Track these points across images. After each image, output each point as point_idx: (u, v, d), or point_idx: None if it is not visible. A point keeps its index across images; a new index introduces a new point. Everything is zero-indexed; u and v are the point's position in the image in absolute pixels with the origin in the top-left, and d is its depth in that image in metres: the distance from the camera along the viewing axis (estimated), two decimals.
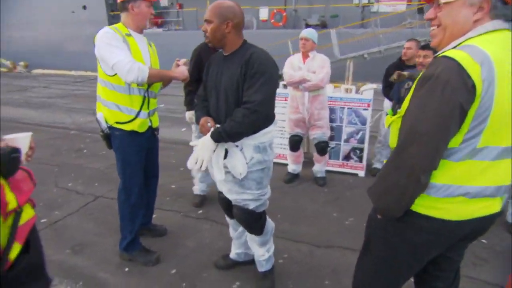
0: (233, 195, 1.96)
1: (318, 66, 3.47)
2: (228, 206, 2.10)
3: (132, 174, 2.27)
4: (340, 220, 3.09)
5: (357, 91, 4.25)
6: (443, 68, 1.04)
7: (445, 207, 1.15)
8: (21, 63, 16.81)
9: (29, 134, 1.19)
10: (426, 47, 3.00)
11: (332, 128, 4.04)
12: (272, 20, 14.35)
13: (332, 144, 4.12)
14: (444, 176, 1.13)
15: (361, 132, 4.08)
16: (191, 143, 1.92)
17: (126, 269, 2.40)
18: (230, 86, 1.78)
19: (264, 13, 14.58)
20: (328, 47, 10.87)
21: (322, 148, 3.75)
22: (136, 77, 1.96)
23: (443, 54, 1.09)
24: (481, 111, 1.02)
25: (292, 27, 13.79)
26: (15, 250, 0.88)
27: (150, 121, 2.29)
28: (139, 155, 2.28)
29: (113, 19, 16.32)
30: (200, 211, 3.22)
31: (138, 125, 2.18)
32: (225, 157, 1.89)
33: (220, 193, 2.11)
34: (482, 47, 1.02)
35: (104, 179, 3.92)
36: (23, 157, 1.13)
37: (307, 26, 12.23)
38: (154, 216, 3.05)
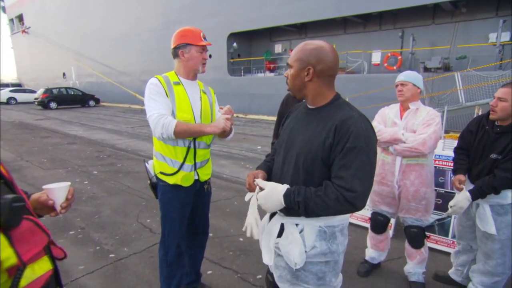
0: (285, 285, 1.51)
1: (421, 123, 2.39)
2: None
3: (170, 230, 2.09)
4: None
5: None
6: None
7: None
8: None
9: (66, 184, 1.10)
10: None
11: (440, 195, 3.17)
12: (386, 64, 13.54)
13: (440, 214, 3.21)
14: None
15: None
16: (246, 197, 1.53)
17: None
18: (306, 152, 1.36)
19: (376, 57, 13.96)
20: (453, 91, 9.52)
21: (414, 236, 2.50)
22: (160, 133, 1.84)
23: None
24: None
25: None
26: None
27: (197, 174, 2.09)
28: (180, 212, 2.09)
29: (232, 65, 18.24)
30: (259, 276, 2.81)
31: (181, 179, 2.01)
32: (279, 235, 1.48)
33: (270, 274, 1.68)
34: None
35: None
36: (58, 208, 1.07)
37: (426, 69, 11.05)
38: (209, 272, 2.83)
